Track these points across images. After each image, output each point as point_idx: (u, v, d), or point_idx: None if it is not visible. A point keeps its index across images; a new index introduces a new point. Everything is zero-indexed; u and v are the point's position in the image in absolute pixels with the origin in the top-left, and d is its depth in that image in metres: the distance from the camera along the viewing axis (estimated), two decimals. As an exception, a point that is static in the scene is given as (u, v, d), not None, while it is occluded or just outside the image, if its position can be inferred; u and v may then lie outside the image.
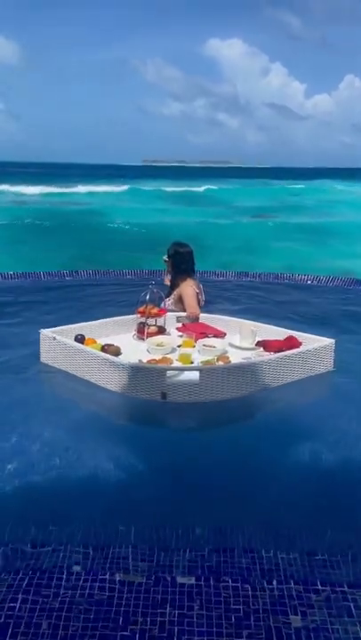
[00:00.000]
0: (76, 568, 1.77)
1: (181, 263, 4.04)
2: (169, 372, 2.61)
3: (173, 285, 4.09)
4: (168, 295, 4.10)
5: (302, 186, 47.44)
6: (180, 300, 3.95)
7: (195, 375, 2.59)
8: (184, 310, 3.85)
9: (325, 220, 23.09)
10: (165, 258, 4.12)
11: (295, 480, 2.28)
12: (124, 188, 42.51)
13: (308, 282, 5.25)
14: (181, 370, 2.65)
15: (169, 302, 4.01)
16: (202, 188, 45.20)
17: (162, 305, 3.75)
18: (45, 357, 3.07)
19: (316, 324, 3.83)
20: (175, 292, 4.03)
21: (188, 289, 3.93)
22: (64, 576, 1.72)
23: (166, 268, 4.17)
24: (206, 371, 2.62)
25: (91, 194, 35.82)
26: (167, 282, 4.26)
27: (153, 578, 1.74)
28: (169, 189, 42.00)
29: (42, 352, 3.08)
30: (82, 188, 42.76)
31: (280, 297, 4.60)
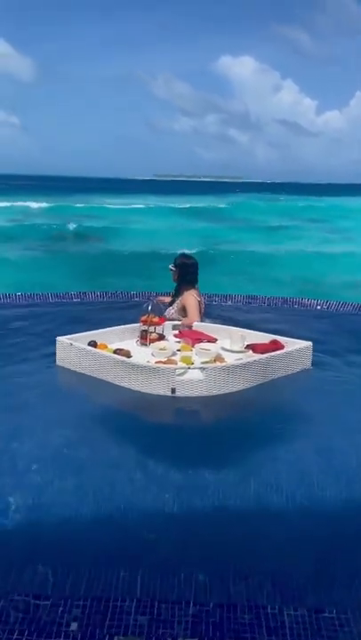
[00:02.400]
0: (74, 625, 1.70)
1: (187, 274, 4.38)
2: (178, 371, 3.06)
3: (177, 294, 4.42)
4: (172, 303, 4.46)
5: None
6: (183, 309, 4.29)
7: (199, 374, 3.06)
8: (181, 317, 4.24)
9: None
10: (172, 267, 4.44)
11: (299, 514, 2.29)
12: (137, 203, 42.60)
13: (318, 307, 5.17)
14: (188, 368, 3.10)
15: (173, 311, 4.36)
16: (222, 204, 45.26)
17: (165, 313, 4.25)
18: (62, 361, 3.51)
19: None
20: (179, 301, 4.36)
21: (191, 298, 4.28)
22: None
23: (172, 277, 4.51)
24: (209, 370, 3.07)
25: (101, 209, 35.86)
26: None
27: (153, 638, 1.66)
28: (180, 205, 42.12)
29: (58, 357, 3.53)
30: (93, 203, 43.01)
31: (289, 322, 4.52)
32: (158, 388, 3.04)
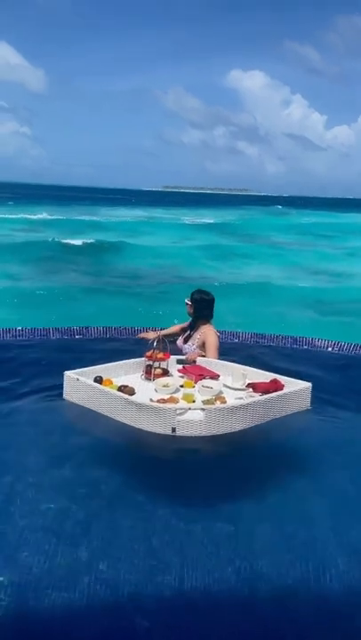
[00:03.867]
0: None
1: (205, 309, 4.44)
2: (178, 411, 3.08)
3: (193, 328, 4.45)
4: (187, 337, 4.42)
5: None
6: (203, 345, 4.31)
7: (199, 414, 3.08)
8: (204, 354, 4.25)
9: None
10: (188, 301, 4.48)
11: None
12: (145, 217, 42.62)
13: (329, 349, 5.00)
14: (189, 408, 3.16)
15: (194, 347, 4.33)
16: (230, 218, 45.19)
17: (185, 349, 4.31)
18: (69, 396, 3.56)
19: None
20: (198, 337, 4.37)
21: (214, 337, 4.32)
22: None
23: (186, 310, 4.54)
24: (209, 410, 3.09)
25: (109, 223, 35.70)
26: (149, 336, 4.41)
27: None
28: (189, 220, 42.07)
29: (65, 391, 3.56)
30: (101, 215, 43.10)
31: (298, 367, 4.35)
32: (159, 427, 3.07)
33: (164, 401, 3.28)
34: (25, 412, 3.41)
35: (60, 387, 3.61)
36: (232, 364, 3.90)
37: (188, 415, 3.09)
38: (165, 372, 3.81)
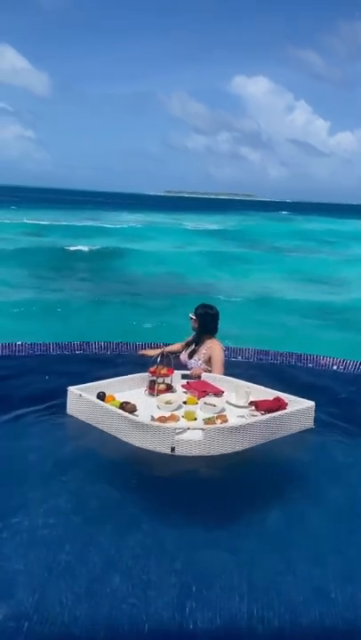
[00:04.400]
0: None
1: (209, 323, 4.43)
2: (177, 430, 3.09)
3: (199, 343, 4.42)
4: (193, 352, 4.40)
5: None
6: (209, 360, 4.30)
7: (199, 434, 3.08)
8: (210, 369, 4.26)
9: None
10: (192, 316, 4.46)
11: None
12: (146, 222, 42.49)
13: (334, 367, 4.90)
14: (188, 428, 3.16)
15: (200, 362, 4.31)
16: (232, 224, 45.04)
17: (191, 364, 4.31)
18: (72, 411, 3.58)
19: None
20: (204, 352, 4.34)
21: (220, 352, 4.30)
22: None
23: (191, 325, 4.51)
24: (208, 430, 3.09)
25: (112, 229, 35.54)
26: (150, 353, 4.41)
27: None
28: (191, 226, 41.99)
29: (68, 406, 3.58)
30: (103, 219, 43.05)
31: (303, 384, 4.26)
32: (158, 445, 3.08)
33: (165, 418, 3.27)
34: (23, 428, 3.37)
35: (59, 404, 3.60)
36: (237, 380, 3.87)
37: (188, 435, 3.08)
38: (169, 388, 3.79)
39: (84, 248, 23.74)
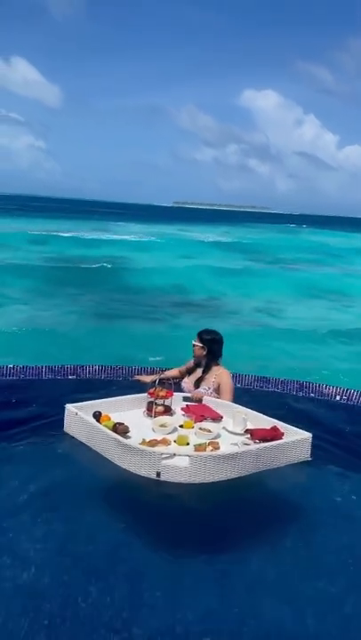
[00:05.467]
0: None
1: (218, 350, 4.30)
2: (164, 455, 3.03)
3: (206, 370, 4.28)
4: (199, 381, 4.25)
5: None
6: (218, 388, 4.20)
7: (184, 461, 3.01)
8: (218, 397, 4.17)
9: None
10: (197, 343, 4.30)
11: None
12: (154, 234, 42.29)
13: (338, 397, 4.68)
14: (174, 454, 3.11)
15: (211, 391, 4.18)
16: (239, 236, 44.85)
17: (202, 390, 4.16)
18: (68, 429, 3.60)
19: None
20: (213, 380, 4.22)
21: (229, 379, 4.23)
22: None
23: (194, 352, 4.33)
24: (195, 457, 3.02)
25: (120, 242, 35.27)
26: (145, 379, 4.37)
27: None
28: (199, 237, 41.85)
29: (65, 424, 3.61)
30: (111, 231, 43.02)
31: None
32: (143, 469, 3.04)
33: (155, 442, 3.22)
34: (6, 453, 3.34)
35: (47, 428, 3.61)
36: (237, 406, 3.80)
37: (174, 460, 3.01)
38: (168, 410, 3.73)
39: (89, 259, 23.62)
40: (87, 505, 2.82)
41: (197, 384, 4.24)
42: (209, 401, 3.94)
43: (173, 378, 4.35)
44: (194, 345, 4.29)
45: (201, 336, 4.28)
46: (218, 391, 4.17)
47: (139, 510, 2.83)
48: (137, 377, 4.60)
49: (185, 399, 3.97)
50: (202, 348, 4.26)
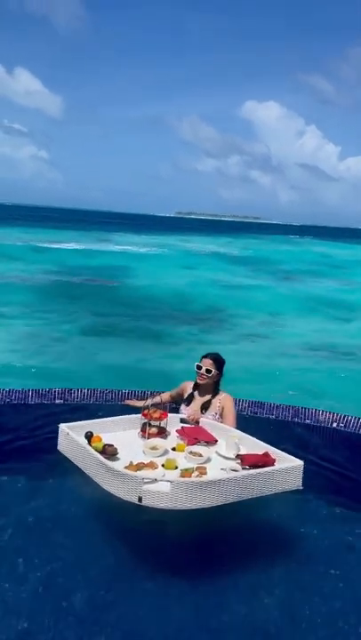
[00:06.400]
0: None
1: (221, 374, 4.15)
2: (145, 480, 2.98)
3: (215, 395, 4.14)
4: (206, 406, 4.10)
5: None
6: (222, 413, 4.09)
7: (166, 486, 2.95)
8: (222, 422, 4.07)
9: None
10: (210, 367, 4.08)
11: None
12: (157, 245, 42.13)
13: (334, 424, 4.54)
14: (156, 479, 3.07)
15: (218, 416, 4.06)
16: (239, 249, 44.66)
17: (210, 417, 4.03)
18: (61, 448, 3.61)
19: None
20: (218, 404, 4.10)
21: (233, 403, 4.14)
22: None
23: (199, 377, 4.13)
24: (176, 483, 2.96)
25: (121, 254, 35.02)
26: (138, 404, 4.25)
27: None
28: (200, 248, 41.70)
29: (59, 443, 3.60)
30: (113, 243, 42.86)
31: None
32: (125, 493, 3.00)
33: (143, 465, 3.19)
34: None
35: (32, 458, 3.62)
36: (233, 429, 3.75)
37: (156, 486, 2.95)
38: (161, 432, 3.69)
39: (87, 271, 23.45)
40: (73, 536, 2.78)
41: (204, 410, 4.09)
42: (206, 423, 3.87)
43: (165, 402, 4.23)
44: (198, 368, 4.10)
45: (215, 359, 4.11)
46: (222, 416, 4.06)
47: (126, 539, 2.82)
48: (127, 402, 4.50)
49: (182, 421, 3.90)
50: (217, 372, 4.10)
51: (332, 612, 2.40)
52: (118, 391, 4.73)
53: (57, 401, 4.61)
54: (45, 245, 34.78)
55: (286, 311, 17.28)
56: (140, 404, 4.18)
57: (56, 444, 3.53)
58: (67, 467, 3.35)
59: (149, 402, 3.79)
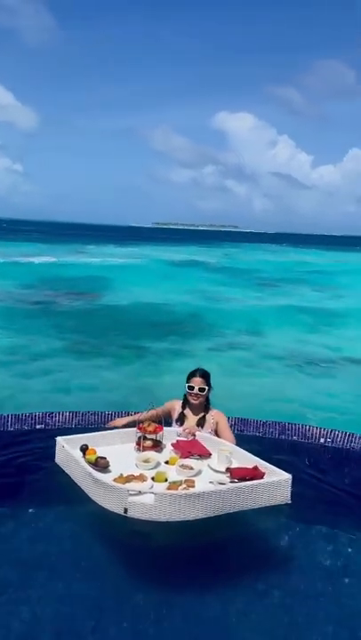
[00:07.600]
0: None
1: (211, 386, 4.09)
2: (131, 492, 3.03)
3: (206, 411, 4.10)
4: (201, 423, 4.06)
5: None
6: (217, 429, 4.06)
7: (150, 498, 2.99)
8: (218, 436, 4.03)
9: None
10: (203, 385, 4.05)
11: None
12: (135, 256, 41.86)
13: (322, 439, 4.38)
14: (140, 491, 3.10)
15: (212, 432, 4.03)
16: (217, 257, 44.80)
17: (205, 434, 3.96)
18: (57, 460, 3.70)
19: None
20: (212, 420, 4.07)
21: (225, 418, 4.11)
22: None
23: (194, 398, 4.06)
24: (160, 495, 3.00)
25: (98, 266, 34.51)
26: (122, 422, 4.26)
27: None
28: (177, 258, 41.71)
29: (56, 455, 3.69)
30: (89, 254, 42.44)
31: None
32: (112, 505, 3.07)
33: (132, 477, 3.26)
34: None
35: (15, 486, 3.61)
36: (225, 443, 3.79)
37: (141, 497, 3.01)
38: (157, 445, 3.74)
39: (64, 285, 23.04)
40: (61, 567, 2.82)
41: (200, 428, 4.04)
42: (202, 437, 3.88)
43: (152, 419, 4.08)
44: (200, 389, 4.01)
45: (203, 375, 4.04)
46: (217, 431, 4.03)
47: (115, 552, 2.93)
48: (112, 423, 4.37)
49: (180, 434, 3.92)
50: (208, 389, 4.04)
51: (319, 625, 2.46)
52: (101, 412, 4.53)
53: (37, 426, 4.38)
54: (19, 259, 34.18)
55: (265, 320, 17.23)
56: (124, 421, 4.24)
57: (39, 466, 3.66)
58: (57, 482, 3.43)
59: (137, 417, 3.87)
